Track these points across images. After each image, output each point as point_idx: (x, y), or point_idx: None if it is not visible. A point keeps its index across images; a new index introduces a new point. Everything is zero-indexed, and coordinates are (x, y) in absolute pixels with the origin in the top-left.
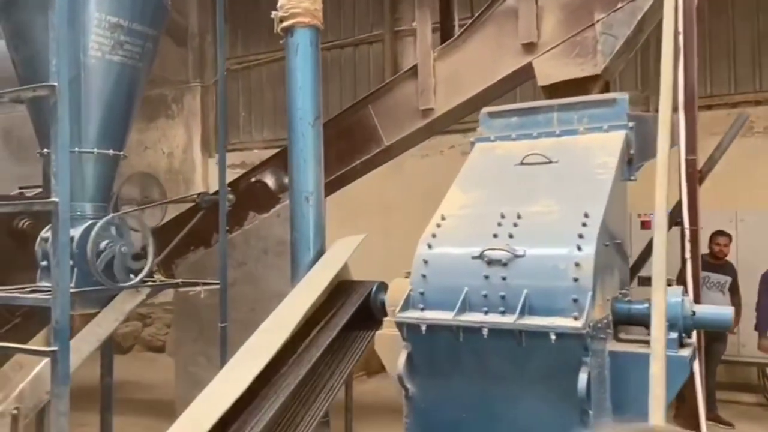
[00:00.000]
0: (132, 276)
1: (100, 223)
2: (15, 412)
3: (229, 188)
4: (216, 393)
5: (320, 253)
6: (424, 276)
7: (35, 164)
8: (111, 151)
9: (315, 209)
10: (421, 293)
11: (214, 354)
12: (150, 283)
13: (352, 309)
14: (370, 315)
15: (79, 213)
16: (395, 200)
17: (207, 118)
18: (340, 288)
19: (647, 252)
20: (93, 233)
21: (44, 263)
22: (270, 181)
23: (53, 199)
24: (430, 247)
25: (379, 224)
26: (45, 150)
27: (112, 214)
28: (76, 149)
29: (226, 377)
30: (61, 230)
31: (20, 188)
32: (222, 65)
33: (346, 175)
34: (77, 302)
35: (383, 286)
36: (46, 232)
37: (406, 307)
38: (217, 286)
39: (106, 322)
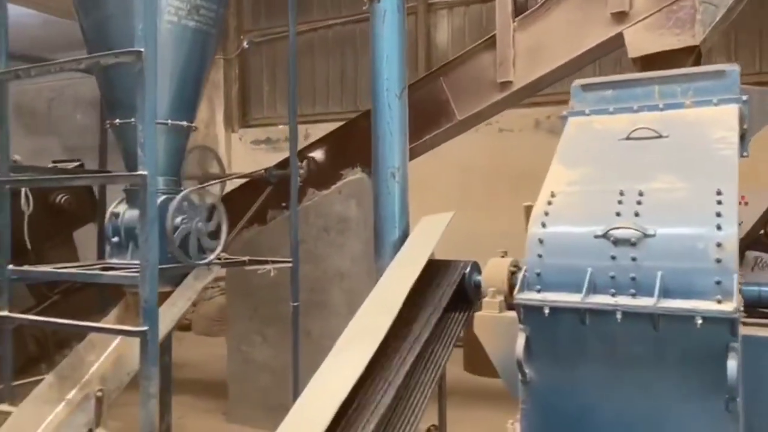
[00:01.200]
0: (205, 253)
1: (178, 197)
2: (99, 394)
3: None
4: (332, 378)
5: (406, 231)
6: (540, 256)
7: (48, 137)
8: (184, 123)
9: (401, 185)
10: (538, 274)
11: (269, 333)
12: (220, 261)
13: (451, 289)
14: (463, 295)
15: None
16: (430, 177)
17: (230, 92)
18: (431, 267)
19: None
20: (172, 208)
21: (115, 239)
22: (331, 156)
23: (141, 172)
24: (544, 225)
25: (414, 201)
26: (117, 121)
27: (188, 189)
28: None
29: (337, 362)
30: (150, 204)
31: (54, 162)
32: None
33: (414, 150)
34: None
35: (477, 266)
36: (115, 207)
37: (522, 288)
38: (288, 265)
39: (181, 301)
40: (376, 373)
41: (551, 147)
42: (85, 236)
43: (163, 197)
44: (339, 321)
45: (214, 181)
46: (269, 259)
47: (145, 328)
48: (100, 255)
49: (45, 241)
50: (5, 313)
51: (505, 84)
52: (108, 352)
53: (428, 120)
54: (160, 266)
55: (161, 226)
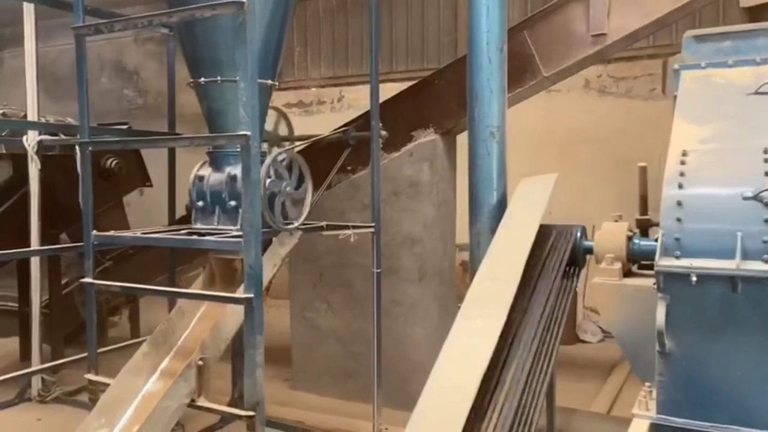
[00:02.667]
0: (291, 218)
1: (269, 159)
2: (201, 363)
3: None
4: (467, 348)
5: (504, 195)
6: (678, 220)
7: (71, 102)
8: (269, 81)
9: (500, 146)
10: (677, 239)
11: (334, 300)
12: (302, 226)
13: (566, 254)
14: (572, 261)
15: (239, 149)
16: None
17: None
18: (541, 231)
19: None
20: (263, 170)
21: (200, 204)
22: (400, 117)
23: (244, 132)
24: (681, 187)
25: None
26: (202, 80)
27: (278, 150)
28: (237, 78)
29: (467, 330)
30: (253, 166)
31: (100, 125)
32: None
33: None
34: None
35: (585, 231)
36: (199, 170)
37: (661, 255)
38: (370, 230)
39: (267, 268)
40: (504, 340)
41: (602, 108)
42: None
43: None
44: (409, 287)
45: (301, 143)
46: (349, 224)
47: (250, 295)
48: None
49: (97, 206)
50: (90, 279)
51: (598, 37)
52: (196, 319)
53: (510, 77)
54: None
55: None
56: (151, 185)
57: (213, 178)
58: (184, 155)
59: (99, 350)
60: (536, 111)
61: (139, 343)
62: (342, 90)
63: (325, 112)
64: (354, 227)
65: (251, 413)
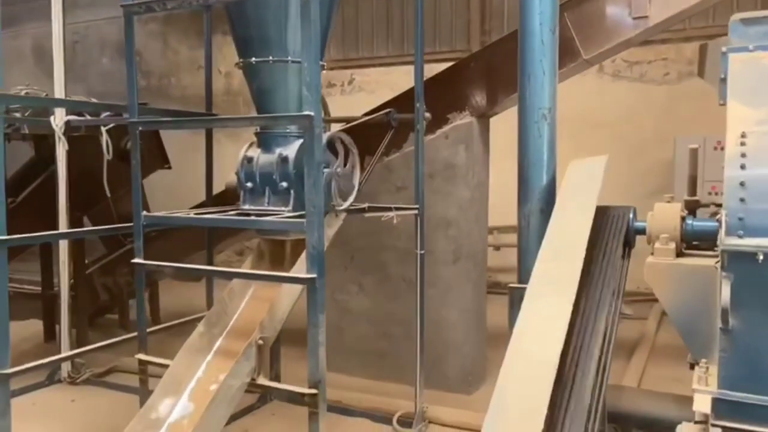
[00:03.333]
0: (341, 199)
1: (324, 139)
2: (261, 342)
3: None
4: (541, 326)
5: (554, 177)
6: (742, 200)
7: (71, 83)
8: (321, 62)
9: (551, 128)
10: (740, 219)
11: (366, 282)
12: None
13: (621, 235)
14: (625, 241)
15: (288, 130)
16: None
17: None
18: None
19: None
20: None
21: (249, 185)
22: (435, 99)
23: (307, 112)
24: (743, 167)
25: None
26: (253, 59)
27: (329, 132)
28: (288, 58)
29: (539, 309)
30: (317, 147)
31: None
32: None
33: None
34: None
35: (635, 212)
36: (248, 151)
37: (725, 234)
38: (414, 211)
39: None
40: (573, 317)
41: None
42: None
43: (300, 140)
44: (444, 269)
45: (350, 123)
46: (392, 206)
47: (313, 275)
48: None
49: (117, 189)
50: (140, 259)
51: (640, 20)
52: (246, 300)
53: None
54: (297, 213)
55: (300, 171)
56: (170, 167)
57: (262, 159)
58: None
59: (149, 330)
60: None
61: (188, 323)
62: (353, 73)
63: (335, 95)
64: (397, 209)
65: (314, 391)
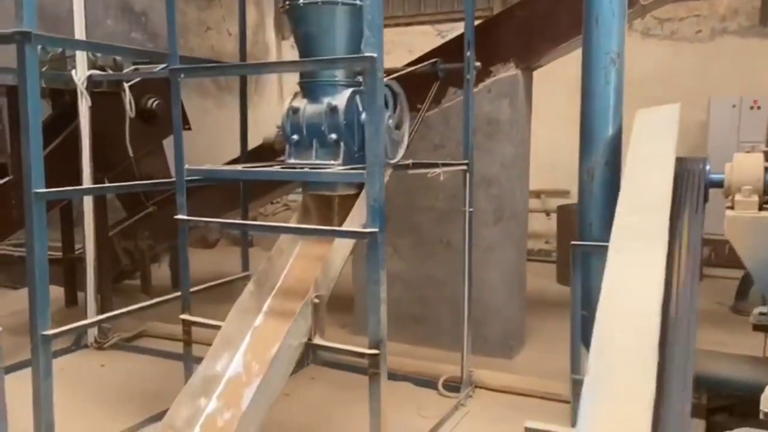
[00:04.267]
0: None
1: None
2: (317, 301)
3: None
4: (635, 285)
5: (620, 127)
6: None
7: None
8: (358, 2)
9: (619, 75)
10: None
11: (400, 244)
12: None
13: (700, 187)
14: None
15: (336, 78)
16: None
17: None
18: None
19: None
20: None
21: (295, 137)
22: (479, 50)
23: (369, 53)
24: None
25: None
26: (300, 1)
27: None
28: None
29: (630, 263)
30: (379, 92)
31: (135, 64)
32: None
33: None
34: (339, 183)
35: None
36: (293, 102)
37: None
38: (462, 167)
39: (364, 207)
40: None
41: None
42: None
43: (351, 89)
44: (485, 229)
45: (393, 75)
46: (439, 162)
47: (374, 229)
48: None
49: (137, 150)
50: (183, 216)
51: None
52: (293, 258)
53: None
54: (351, 166)
55: (351, 122)
56: (189, 128)
57: (309, 110)
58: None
59: (192, 289)
60: (576, 53)
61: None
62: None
63: None
64: (444, 164)
65: (375, 351)
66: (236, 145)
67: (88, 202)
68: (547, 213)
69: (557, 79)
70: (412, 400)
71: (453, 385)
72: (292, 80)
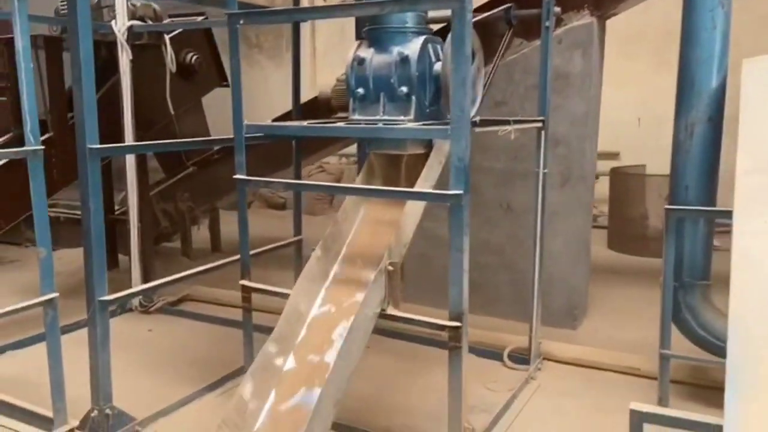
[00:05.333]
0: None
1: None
2: (390, 268)
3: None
4: None
5: (725, 77)
6: None
7: None
8: None
9: (726, 18)
10: None
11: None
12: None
13: None
14: None
15: (407, 24)
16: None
17: None
18: None
19: None
20: (448, 50)
21: (360, 91)
22: None
23: None
24: None
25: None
26: None
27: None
28: None
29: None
30: (467, 35)
31: (171, 16)
32: None
33: None
34: (410, 141)
35: None
36: (360, 50)
37: None
38: (537, 124)
39: (436, 166)
40: None
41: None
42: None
43: (423, 37)
44: (549, 192)
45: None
46: (510, 118)
47: (459, 191)
48: None
49: (179, 105)
50: (243, 175)
51: None
52: (357, 222)
53: None
54: (425, 122)
55: (423, 73)
56: (228, 85)
57: (377, 60)
58: None
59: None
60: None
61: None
62: None
63: None
64: (516, 121)
65: (457, 324)
66: (270, 103)
67: (130, 161)
68: (596, 176)
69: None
70: (477, 372)
71: (519, 357)
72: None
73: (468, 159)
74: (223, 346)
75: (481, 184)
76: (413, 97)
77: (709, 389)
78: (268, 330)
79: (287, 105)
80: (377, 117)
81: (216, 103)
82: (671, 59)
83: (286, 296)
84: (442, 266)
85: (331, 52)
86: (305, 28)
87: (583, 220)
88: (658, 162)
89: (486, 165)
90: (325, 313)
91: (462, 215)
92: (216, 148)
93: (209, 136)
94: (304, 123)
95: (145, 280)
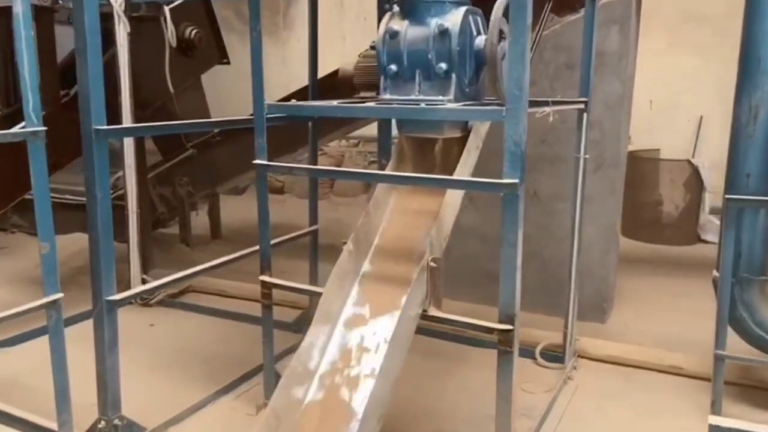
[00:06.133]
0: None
1: (499, 6)
2: (433, 264)
3: None
4: None
5: None
6: None
7: None
8: None
9: None
10: None
11: (476, 194)
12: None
13: None
14: None
15: None
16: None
17: None
18: None
19: None
20: (496, 22)
21: (393, 67)
22: None
23: None
24: None
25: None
26: None
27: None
28: None
29: None
30: (528, 3)
31: None
32: None
33: None
34: (446, 123)
35: None
36: (392, 22)
37: None
38: (579, 106)
39: (473, 150)
40: None
41: None
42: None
43: (462, 8)
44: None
45: None
46: (548, 99)
47: (514, 179)
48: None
49: (179, 83)
50: (263, 160)
51: None
52: (388, 212)
53: None
54: (467, 103)
55: (464, 48)
56: (228, 62)
57: (412, 33)
58: None
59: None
60: None
61: None
62: None
63: None
64: (555, 102)
65: (508, 327)
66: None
67: (129, 143)
68: None
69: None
70: None
71: (551, 354)
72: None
73: (524, 144)
74: (234, 342)
75: (500, 171)
76: (453, 75)
77: (758, 390)
78: (280, 325)
79: (285, 83)
80: (412, 96)
81: (208, 82)
82: (684, 39)
83: (308, 293)
84: (463, 256)
85: (330, 31)
86: (303, 4)
87: (615, 207)
88: (670, 146)
89: None
90: (359, 316)
91: (517, 206)
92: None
93: (209, 116)
94: (334, 103)
95: (144, 269)
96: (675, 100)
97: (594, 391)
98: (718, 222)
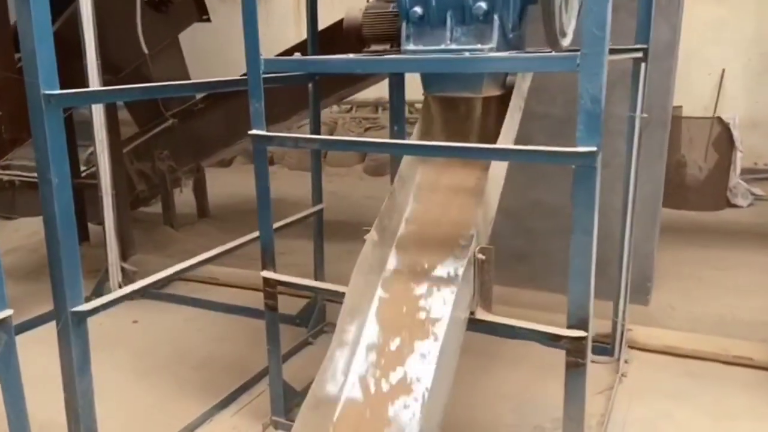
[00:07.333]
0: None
1: None
2: (481, 257)
3: None
4: None
5: None
6: None
7: None
8: None
9: None
10: None
11: None
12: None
13: None
14: None
15: None
16: None
17: None
18: None
19: None
20: None
21: (417, 10)
22: None
23: None
24: None
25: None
26: None
27: None
28: None
29: None
30: None
31: None
32: None
33: None
34: (486, 79)
35: None
36: None
37: None
38: (637, 54)
39: (516, 111)
40: None
41: None
42: None
43: None
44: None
45: None
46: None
47: (591, 147)
48: None
49: (153, 44)
50: (261, 131)
51: None
52: (413, 191)
53: None
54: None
55: None
56: (209, 19)
57: None
58: None
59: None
60: None
61: None
62: None
63: None
64: (613, 51)
65: (580, 333)
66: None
67: (98, 113)
68: None
69: None
70: (545, 365)
71: (597, 345)
72: None
73: (602, 101)
74: (231, 341)
75: (534, 132)
76: (495, 17)
77: None
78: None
79: (268, 46)
80: (442, 46)
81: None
82: None
83: (324, 291)
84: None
85: None
86: None
87: (659, 174)
88: (691, 103)
89: (540, 110)
90: (392, 321)
91: (594, 182)
92: (200, 96)
93: (188, 78)
94: (350, 56)
95: (123, 256)
96: (695, 52)
97: (655, 390)
98: (745, 186)
